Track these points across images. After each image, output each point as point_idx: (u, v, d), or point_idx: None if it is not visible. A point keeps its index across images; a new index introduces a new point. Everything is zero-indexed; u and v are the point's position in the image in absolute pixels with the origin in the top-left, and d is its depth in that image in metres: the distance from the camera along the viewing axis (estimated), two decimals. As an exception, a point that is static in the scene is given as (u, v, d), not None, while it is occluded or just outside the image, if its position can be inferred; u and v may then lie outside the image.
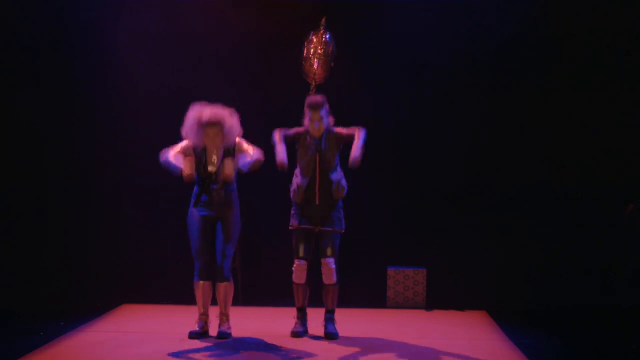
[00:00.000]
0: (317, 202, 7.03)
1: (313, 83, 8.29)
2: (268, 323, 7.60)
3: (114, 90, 8.85)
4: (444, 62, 8.84)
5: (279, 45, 8.76)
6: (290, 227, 7.12)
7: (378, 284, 8.61)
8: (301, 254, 7.04)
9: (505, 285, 8.64)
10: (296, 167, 7.17)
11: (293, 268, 7.07)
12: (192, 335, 6.88)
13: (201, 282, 6.92)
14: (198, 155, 6.90)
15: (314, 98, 7.14)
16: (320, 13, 8.41)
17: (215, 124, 6.83)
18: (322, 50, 8.24)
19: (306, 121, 7.11)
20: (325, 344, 6.79)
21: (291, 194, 7.15)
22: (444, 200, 8.81)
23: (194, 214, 6.96)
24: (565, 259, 8.70)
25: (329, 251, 7.01)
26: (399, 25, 8.86)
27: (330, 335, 6.98)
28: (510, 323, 7.70)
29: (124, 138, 8.85)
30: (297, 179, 7.13)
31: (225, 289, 6.94)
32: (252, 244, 8.75)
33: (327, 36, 8.33)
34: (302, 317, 7.16)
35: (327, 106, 7.11)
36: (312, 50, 8.29)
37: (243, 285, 8.56)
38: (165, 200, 8.61)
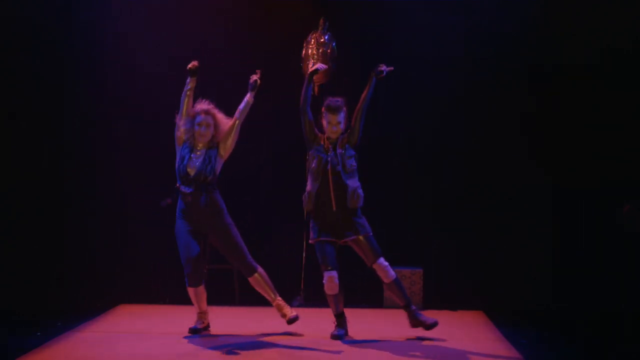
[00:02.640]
0: (334, 208, 6.83)
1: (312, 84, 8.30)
2: (266, 323, 7.61)
3: (115, 90, 8.86)
4: (443, 62, 8.85)
5: (279, 45, 8.78)
6: (310, 242, 6.97)
7: (375, 284, 8.59)
8: (329, 265, 6.83)
9: (502, 285, 8.64)
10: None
11: (324, 281, 6.86)
12: (192, 330, 6.98)
13: (191, 289, 6.95)
14: (182, 154, 6.92)
15: (334, 100, 6.93)
16: (323, 13, 8.44)
17: (207, 113, 6.93)
18: (319, 51, 8.25)
19: (323, 123, 6.94)
20: (321, 343, 6.77)
21: (303, 204, 6.97)
22: (442, 200, 8.82)
23: (181, 222, 6.96)
24: (563, 259, 8.69)
25: (373, 254, 6.84)
26: (400, 25, 8.87)
27: (430, 325, 6.90)
28: (507, 323, 7.69)
29: (124, 138, 8.88)
30: (308, 185, 6.95)
31: (258, 280, 7.02)
32: (250, 244, 8.76)
33: (326, 37, 8.34)
34: (342, 322, 6.99)
35: (345, 110, 6.92)
36: (309, 51, 8.31)
37: (240, 286, 8.57)
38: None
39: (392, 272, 6.89)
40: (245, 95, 7.08)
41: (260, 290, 7.05)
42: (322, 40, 8.33)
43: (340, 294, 6.91)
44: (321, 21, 8.42)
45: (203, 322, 7.07)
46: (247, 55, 8.88)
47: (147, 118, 8.76)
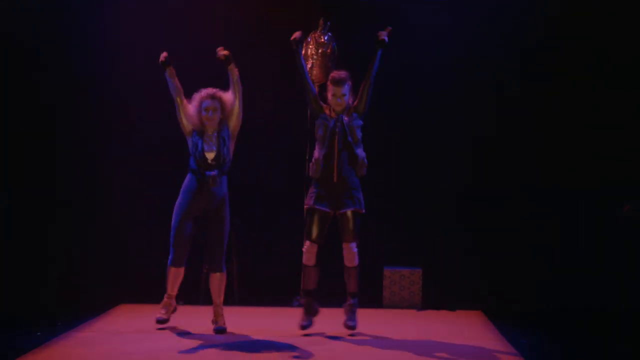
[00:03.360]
0: (334, 180, 6.93)
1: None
2: (266, 323, 7.61)
3: (116, 92, 8.85)
4: (444, 62, 8.84)
5: (279, 45, 8.78)
6: (305, 207, 7.07)
7: (374, 284, 8.63)
8: (314, 236, 6.96)
9: (501, 285, 8.64)
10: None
11: (303, 249, 6.99)
12: (159, 321, 7.11)
13: (174, 268, 7.10)
14: (194, 141, 7.00)
15: (338, 73, 7.03)
16: (323, 13, 8.43)
17: (214, 97, 6.99)
18: (318, 51, 8.25)
19: (329, 96, 7.00)
20: (320, 342, 6.79)
21: (309, 170, 7.09)
22: (441, 200, 8.82)
23: (183, 203, 7.05)
24: (563, 259, 8.69)
25: (350, 235, 6.94)
26: (400, 25, 8.85)
27: (350, 327, 6.98)
28: (507, 323, 7.70)
29: (124, 139, 8.86)
30: (315, 153, 7.04)
31: (219, 279, 7.08)
32: (250, 243, 8.79)
33: (326, 37, 8.34)
34: (309, 304, 7.06)
35: (350, 83, 6.99)
36: (308, 51, 8.31)
37: (240, 285, 8.59)
38: (165, 200, 8.61)
39: (357, 259, 7.01)
40: (228, 76, 7.13)
41: (212, 289, 7.09)
42: (321, 40, 8.33)
43: (317, 268, 7.00)
44: (320, 21, 8.42)
45: (169, 310, 7.18)
46: (247, 55, 8.88)
47: (148, 119, 8.74)
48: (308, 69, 8.26)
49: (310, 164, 7.07)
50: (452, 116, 8.86)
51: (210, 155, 6.98)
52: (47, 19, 8.80)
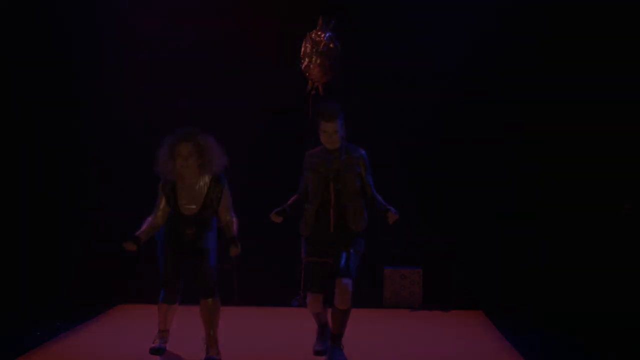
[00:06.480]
0: (331, 230, 6.12)
1: (311, 82, 8.31)
2: (266, 323, 7.61)
3: (117, 94, 8.85)
4: (442, 62, 8.85)
5: (279, 44, 8.79)
6: (303, 259, 6.30)
7: (374, 283, 8.63)
8: (314, 288, 6.16)
9: (501, 285, 8.65)
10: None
11: (307, 301, 6.24)
12: (154, 351, 6.27)
13: (165, 305, 6.31)
14: (167, 193, 6.15)
15: (328, 108, 6.03)
16: (323, 12, 8.44)
17: (188, 140, 5.97)
18: (315, 50, 8.24)
19: (320, 133, 6.10)
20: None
21: (300, 229, 6.28)
22: (441, 199, 8.82)
23: (165, 246, 6.29)
24: (563, 258, 8.69)
25: (345, 269, 6.04)
26: (404, 28, 8.87)
27: None
28: (507, 323, 7.69)
29: (124, 140, 8.86)
30: (306, 206, 6.23)
31: (210, 306, 6.13)
32: (250, 243, 8.77)
33: (326, 35, 8.33)
34: (323, 334, 6.38)
35: (342, 117, 6.06)
36: (307, 50, 8.31)
37: (239, 286, 8.59)
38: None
39: (350, 302, 6.06)
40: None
41: (203, 317, 6.17)
42: (320, 39, 8.32)
43: (324, 310, 6.33)
44: (320, 20, 8.42)
45: (164, 339, 6.40)
46: (246, 54, 8.89)
47: (148, 119, 8.74)
48: (304, 67, 8.26)
49: (302, 218, 6.26)
50: (453, 118, 8.87)
51: (189, 212, 6.09)
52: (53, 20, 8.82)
